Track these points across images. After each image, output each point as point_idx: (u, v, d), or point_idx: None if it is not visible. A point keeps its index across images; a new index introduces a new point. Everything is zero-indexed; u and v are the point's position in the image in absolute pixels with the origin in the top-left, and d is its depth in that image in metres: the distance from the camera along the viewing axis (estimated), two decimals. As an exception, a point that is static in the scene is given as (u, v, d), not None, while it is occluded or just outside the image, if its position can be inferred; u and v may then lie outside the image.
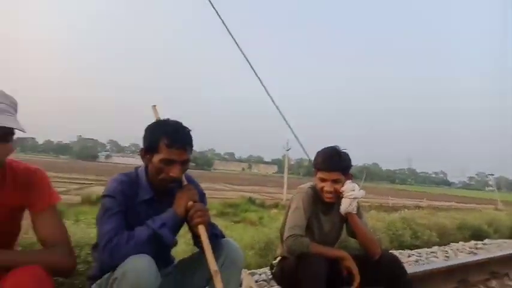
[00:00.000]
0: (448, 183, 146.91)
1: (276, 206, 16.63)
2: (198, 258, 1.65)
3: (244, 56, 3.90)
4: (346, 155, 2.07)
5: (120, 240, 1.38)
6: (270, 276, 3.03)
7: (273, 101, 4.50)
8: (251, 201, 17.21)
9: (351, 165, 2.09)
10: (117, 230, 1.42)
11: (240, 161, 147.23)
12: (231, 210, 13.70)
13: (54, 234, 1.31)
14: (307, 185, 2.18)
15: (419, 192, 45.85)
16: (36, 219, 1.31)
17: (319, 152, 2.09)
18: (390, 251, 2.22)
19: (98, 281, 1.47)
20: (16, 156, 1.33)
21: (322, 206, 2.11)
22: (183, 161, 1.55)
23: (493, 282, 3.50)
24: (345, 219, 2.15)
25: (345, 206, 1.99)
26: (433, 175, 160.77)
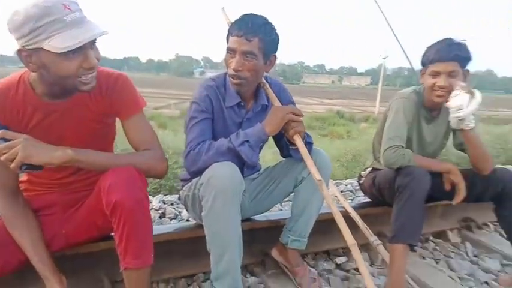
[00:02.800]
0: None
1: (366, 119, 16.05)
2: (285, 166, 1.67)
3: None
4: (466, 45, 1.74)
5: (201, 150, 1.43)
6: (356, 187, 3.03)
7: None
8: (339, 114, 16.86)
9: (471, 58, 1.75)
10: (200, 138, 1.46)
11: (330, 73, 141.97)
12: (318, 124, 13.68)
13: (144, 139, 1.35)
14: (409, 89, 1.95)
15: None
16: (126, 126, 1.35)
17: (431, 44, 1.80)
18: (501, 167, 1.97)
19: (189, 183, 1.59)
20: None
21: (426, 112, 1.89)
22: (243, 52, 1.40)
23: None
24: (453, 130, 1.93)
25: (454, 123, 1.70)
26: None
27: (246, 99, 1.59)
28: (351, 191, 3.09)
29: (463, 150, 1.91)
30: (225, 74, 1.57)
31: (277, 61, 1.58)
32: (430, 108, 1.87)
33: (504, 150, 5.95)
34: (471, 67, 1.76)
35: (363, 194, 2.27)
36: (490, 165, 1.81)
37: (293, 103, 1.66)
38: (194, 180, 1.52)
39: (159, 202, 2.75)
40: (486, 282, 1.82)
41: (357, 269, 1.84)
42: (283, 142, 1.59)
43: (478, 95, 1.63)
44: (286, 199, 2.27)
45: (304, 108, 20.61)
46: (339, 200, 2.13)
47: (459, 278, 1.84)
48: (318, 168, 1.43)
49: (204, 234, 1.39)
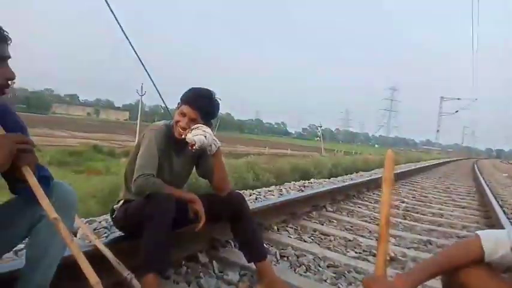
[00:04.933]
0: (287, 133, 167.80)
1: (126, 154, 15.82)
2: (17, 204, 1.40)
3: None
4: (218, 104, 2.02)
5: None
6: (111, 223, 2.88)
7: (127, 38, 4.01)
8: (97, 149, 15.92)
9: (216, 117, 2.05)
10: None
11: (85, 105, 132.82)
12: (73, 159, 12.42)
13: None
14: (161, 122, 2.08)
15: (263, 141, 50.55)
16: None
17: (193, 87, 2.00)
18: (236, 191, 2.37)
19: None
20: None
21: (175, 145, 2.04)
22: None
23: (314, 213, 4.19)
24: (196, 161, 2.16)
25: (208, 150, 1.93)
26: (276, 126, 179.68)
27: None
28: (106, 227, 2.92)
29: (204, 177, 2.18)
30: None
31: (17, 86, 1.34)
32: (178, 141, 2.03)
33: (241, 178, 7.22)
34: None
35: (117, 229, 2.19)
36: (229, 186, 2.14)
37: (24, 128, 1.42)
38: None
39: None
40: (228, 294, 2.08)
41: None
42: (11, 176, 1.32)
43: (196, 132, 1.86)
44: (22, 245, 1.90)
45: (55, 141, 18.25)
46: (90, 240, 1.97)
47: (207, 294, 2.02)
48: (59, 204, 1.28)
49: None
